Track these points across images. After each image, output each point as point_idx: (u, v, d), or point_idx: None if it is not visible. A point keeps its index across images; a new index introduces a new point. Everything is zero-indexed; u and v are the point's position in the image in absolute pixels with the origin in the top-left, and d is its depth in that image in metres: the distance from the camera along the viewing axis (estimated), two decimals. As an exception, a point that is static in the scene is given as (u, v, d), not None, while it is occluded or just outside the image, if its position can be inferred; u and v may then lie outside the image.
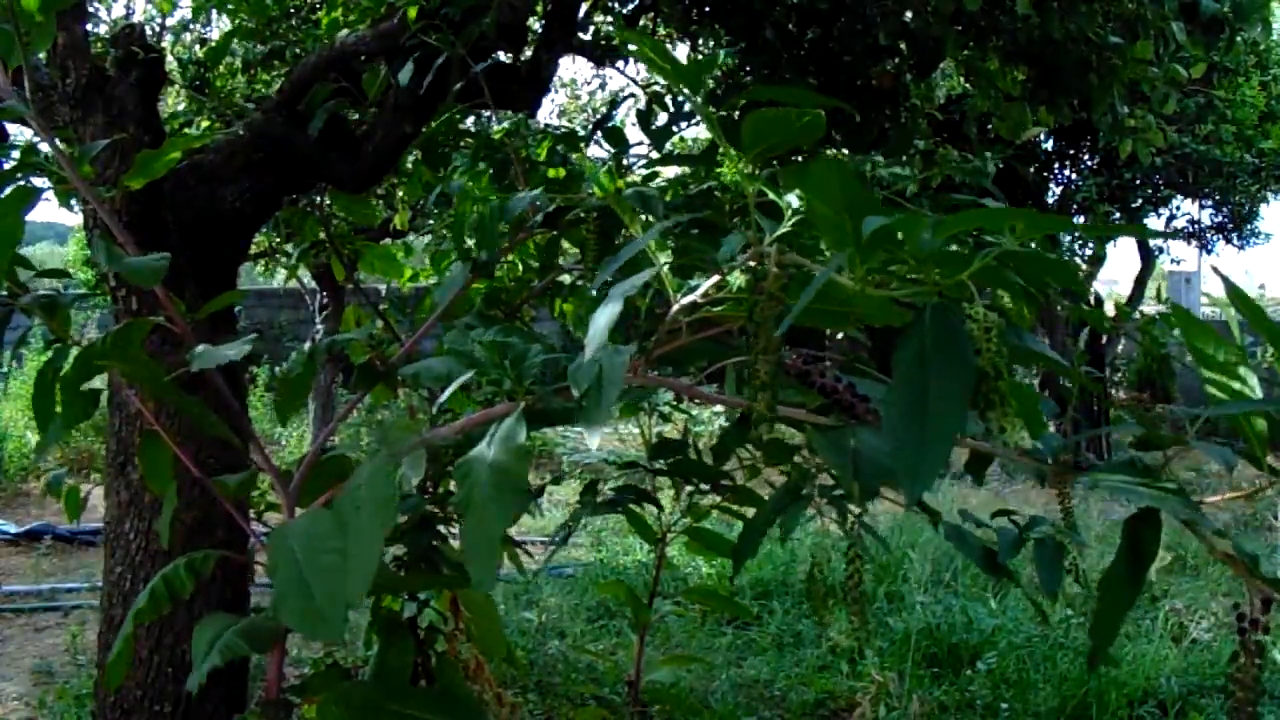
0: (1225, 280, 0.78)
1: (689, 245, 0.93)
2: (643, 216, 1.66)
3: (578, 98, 8.53)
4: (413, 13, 2.30)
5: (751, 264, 0.84)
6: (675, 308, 0.88)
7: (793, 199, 0.89)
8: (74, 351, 1.33)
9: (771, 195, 0.88)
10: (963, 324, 0.73)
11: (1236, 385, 0.78)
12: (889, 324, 0.81)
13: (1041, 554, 1.08)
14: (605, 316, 0.82)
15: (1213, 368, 0.78)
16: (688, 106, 2.00)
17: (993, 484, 7.50)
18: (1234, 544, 0.78)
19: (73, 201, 2.87)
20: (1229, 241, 10.39)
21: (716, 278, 0.87)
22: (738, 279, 0.86)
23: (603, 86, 8.04)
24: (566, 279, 1.88)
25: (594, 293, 1.47)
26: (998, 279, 0.80)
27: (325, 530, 0.94)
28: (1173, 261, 11.95)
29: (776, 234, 0.84)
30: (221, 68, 3.56)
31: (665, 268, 0.93)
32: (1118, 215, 9.30)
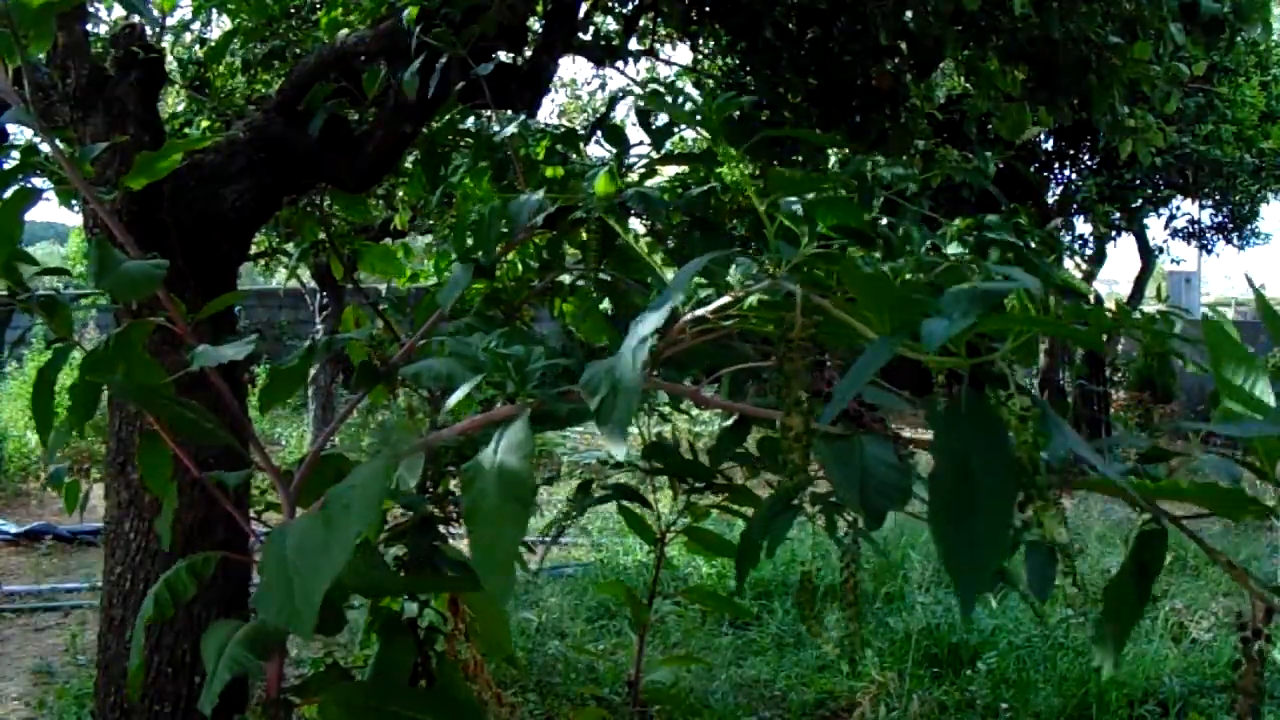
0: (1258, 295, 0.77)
1: (704, 268, 0.92)
2: (635, 224, 1.66)
3: (578, 98, 8.54)
4: (413, 13, 2.30)
5: (766, 295, 0.83)
6: (684, 319, 0.88)
7: (796, 208, 0.89)
8: (74, 351, 1.33)
9: (788, 223, 0.88)
10: (999, 416, 0.72)
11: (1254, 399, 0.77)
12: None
13: (1033, 559, 1.08)
14: (636, 357, 0.80)
15: (1232, 388, 0.77)
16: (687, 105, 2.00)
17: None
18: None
19: (73, 201, 2.87)
20: (1229, 241, 10.40)
21: (727, 299, 0.86)
22: (751, 300, 0.86)
23: (603, 86, 8.05)
24: (566, 279, 1.88)
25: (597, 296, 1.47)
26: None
27: (316, 530, 0.94)
28: (1173, 261, 11.94)
29: (793, 261, 0.84)
30: (221, 68, 3.56)
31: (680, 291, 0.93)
32: (1118, 215, 9.30)
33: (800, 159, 3.28)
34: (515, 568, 0.84)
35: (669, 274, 0.97)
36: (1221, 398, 0.77)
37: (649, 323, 0.81)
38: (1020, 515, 0.75)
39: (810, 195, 0.93)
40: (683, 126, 2.04)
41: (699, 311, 0.88)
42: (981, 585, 0.68)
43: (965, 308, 0.73)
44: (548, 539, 2.20)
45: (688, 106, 1.95)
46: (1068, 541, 1.11)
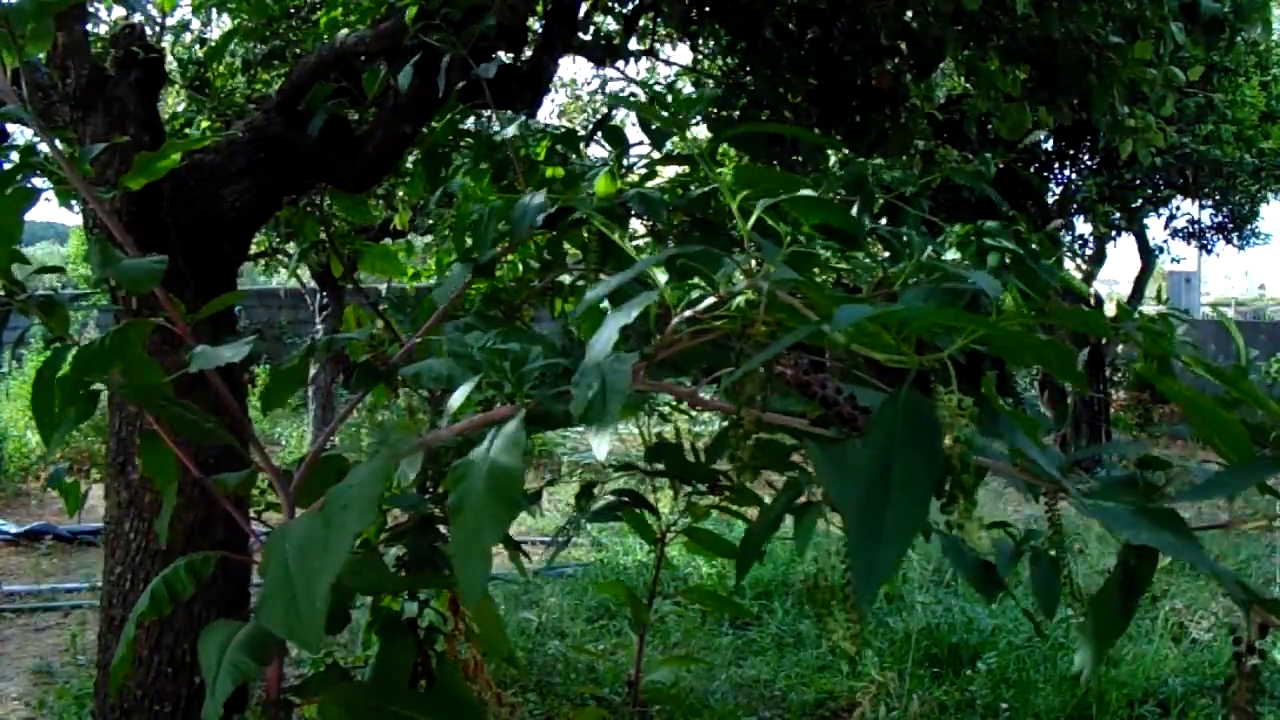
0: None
1: (689, 267, 0.92)
2: (636, 224, 1.66)
3: (578, 98, 8.54)
4: (413, 13, 2.30)
5: (749, 295, 0.83)
6: (676, 319, 0.88)
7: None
8: (73, 351, 1.33)
9: (770, 222, 0.87)
10: (933, 412, 0.70)
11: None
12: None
13: (1037, 571, 1.07)
14: (604, 340, 0.80)
15: (1195, 416, 0.76)
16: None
17: (993, 483, 7.50)
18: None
19: (72, 202, 2.87)
20: (1229, 241, 10.40)
21: (713, 299, 0.86)
22: (738, 300, 0.86)
23: (603, 87, 8.05)
24: (566, 279, 1.88)
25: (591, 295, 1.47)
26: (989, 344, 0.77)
27: (317, 533, 0.93)
28: (1173, 261, 11.94)
29: (775, 259, 0.83)
30: (221, 68, 3.56)
31: (664, 282, 0.93)
32: (1118, 215, 9.30)
33: (800, 159, 3.28)
34: (489, 565, 0.83)
35: (663, 275, 0.96)
36: (1193, 424, 0.77)
37: (617, 322, 0.81)
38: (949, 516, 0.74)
39: (784, 194, 0.93)
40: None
41: (688, 312, 0.87)
42: (879, 579, 0.66)
43: (917, 304, 0.72)
44: (553, 544, 2.20)
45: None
46: (991, 549, 1.11)
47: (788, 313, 0.80)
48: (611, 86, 7.24)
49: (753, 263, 0.85)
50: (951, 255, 1.40)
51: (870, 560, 0.66)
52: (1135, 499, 0.75)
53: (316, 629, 0.87)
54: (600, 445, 0.77)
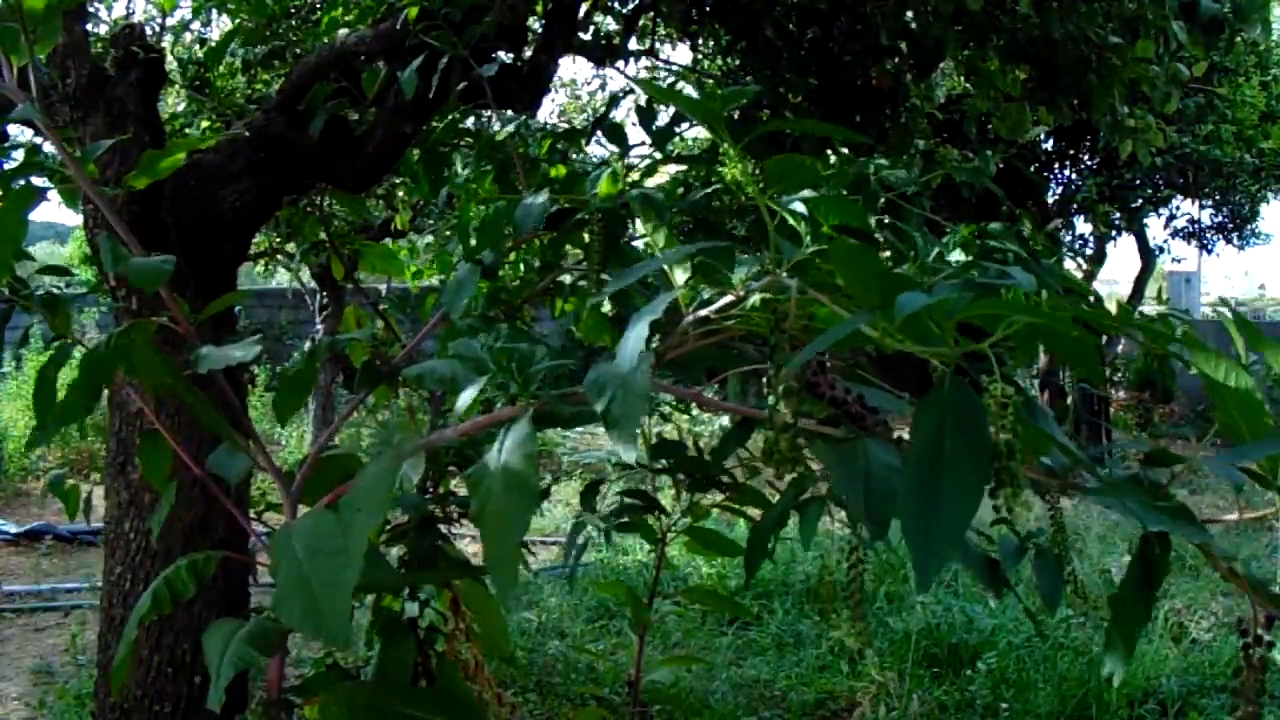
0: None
1: (704, 264, 0.92)
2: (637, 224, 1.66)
3: (578, 98, 8.54)
4: (413, 13, 2.30)
5: (769, 294, 0.83)
6: (687, 319, 0.88)
7: (798, 206, 0.89)
8: (75, 350, 1.33)
9: (790, 220, 0.87)
10: (979, 400, 0.71)
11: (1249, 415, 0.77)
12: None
13: (1042, 566, 1.07)
14: (634, 339, 0.80)
15: (1225, 395, 0.77)
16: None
17: (992, 484, 7.50)
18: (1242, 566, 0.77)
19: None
20: (1229, 241, 10.40)
21: (730, 298, 0.86)
22: (754, 299, 0.85)
23: (603, 86, 8.05)
24: (567, 279, 1.88)
25: (598, 294, 1.47)
26: (1021, 342, 0.77)
27: (328, 531, 0.94)
28: (1173, 261, 11.95)
29: (795, 259, 0.83)
30: (221, 68, 3.56)
31: (682, 284, 0.92)
32: (1118, 215, 9.30)
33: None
34: (519, 566, 0.85)
35: (682, 275, 0.96)
36: (1218, 408, 0.77)
37: (645, 320, 0.81)
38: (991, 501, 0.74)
39: (811, 190, 0.93)
40: (683, 127, 2.04)
41: (702, 312, 0.87)
42: (937, 564, 0.67)
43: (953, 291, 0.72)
44: (569, 564, 2.20)
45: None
46: (1038, 531, 1.11)
47: (817, 307, 0.80)
48: (612, 86, 7.24)
49: (774, 265, 0.85)
50: (956, 256, 1.40)
51: (928, 543, 0.67)
52: (1142, 496, 0.75)
53: (343, 626, 0.88)
54: (626, 448, 0.77)
